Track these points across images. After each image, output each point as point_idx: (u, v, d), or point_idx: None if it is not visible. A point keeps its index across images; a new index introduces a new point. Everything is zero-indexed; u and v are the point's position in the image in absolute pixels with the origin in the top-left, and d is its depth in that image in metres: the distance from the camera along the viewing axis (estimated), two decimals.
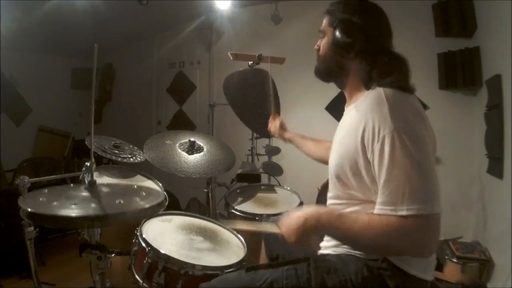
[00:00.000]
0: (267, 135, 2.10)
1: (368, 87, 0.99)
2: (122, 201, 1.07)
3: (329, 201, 1.09)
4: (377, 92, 0.91)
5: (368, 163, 0.88)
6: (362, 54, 0.99)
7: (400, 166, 0.81)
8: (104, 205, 1.03)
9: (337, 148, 1.04)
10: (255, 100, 1.91)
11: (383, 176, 0.83)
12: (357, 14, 0.98)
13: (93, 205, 1.02)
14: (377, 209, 0.85)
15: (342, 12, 1.01)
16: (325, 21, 1.08)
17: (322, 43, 1.09)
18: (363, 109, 0.91)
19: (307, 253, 1.01)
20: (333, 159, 1.04)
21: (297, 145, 1.57)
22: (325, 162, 1.39)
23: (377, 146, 0.84)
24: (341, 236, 0.92)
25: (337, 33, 1.01)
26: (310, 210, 0.92)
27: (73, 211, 0.96)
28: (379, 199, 0.85)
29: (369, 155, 0.87)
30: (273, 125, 1.71)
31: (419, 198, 0.79)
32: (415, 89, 0.96)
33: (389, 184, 0.82)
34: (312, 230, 0.91)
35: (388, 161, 0.82)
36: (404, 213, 0.79)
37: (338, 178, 1.00)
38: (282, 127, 1.67)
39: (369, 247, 0.88)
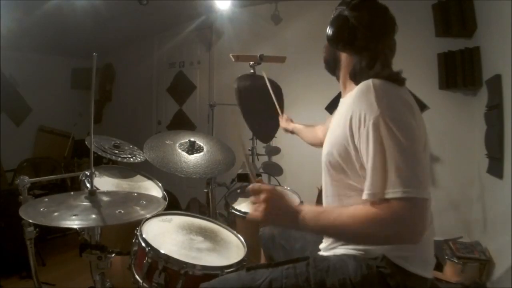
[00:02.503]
0: (263, 139, 2.26)
1: (354, 80, 1.02)
2: (122, 211, 1.07)
3: (324, 192, 1.09)
4: (366, 82, 0.93)
5: (356, 149, 0.90)
6: (350, 47, 1.03)
7: (386, 150, 0.82)
8: (104, 216, 1.03)
9: (329, 136, 1.06)
10: (262, 103, 1.93)
11: (369, 160, 0.84)
12: (348, 9, 1.01)
13: (93, 216, 1.02)
14: (364, 193, 0.85)
15: (342, 4, 1.05)
16: None
17: None
18: (352, 98, 0.94)
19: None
20: (325, 147, 1.06)
21: (297, 134, 1.75)
22: (317, 144, 1.54)
23: (363, 132, 0.86)
24: (328, 230, 0.90)
25: (329, 23, 1.06)
26: (299, 207, 0.89)
27: (74, 223, 0.97)
28: (366, 183, 0.85)
29: (356, 141, 0.89)
30: (283, 120, 1.87)
31: (404, 181, 0.79)
32: (405, 79, 0.98)
33: (374, 168, 0.83)
34: (294, 226, 0.89)
35: (373, 146, 0.83)
36: (389, 196, 0.79)
37: (330, 165, 1.01)
38: (289, 121, 1.85)
39: (356, 237, 0.87)
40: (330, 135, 1.05)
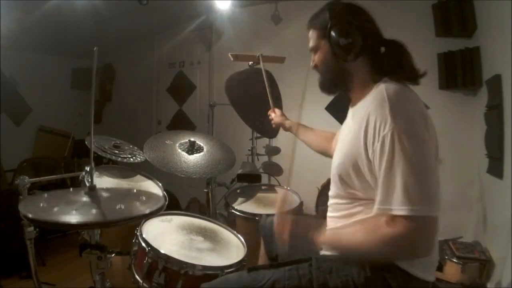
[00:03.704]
0: (269, 134, 2.07)
1: (375, 82, 0.99)
2: (122, 206, 1.07)
3: (330, 200, 1.09)
4: (380, 91, 0.91)
5: (370, 162, 0.89)
6: (362, 52, 0.99)
7: (398, 165, 0.81)
8: (104, 210, 1.03)
9: (340, 147, 1.05)
10: (256, 99, 1.91)
11: (382, 175, 0.84)
12: (348, 14, 0.99)
13: (93, 210, 1.02)
14: (375, 208, 0.86)
15: (332, 18, 1.00)
16: (314, 36, 1.08)
17: (318, 58, 1.08)
18: (366, 109, 0.92)
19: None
20: (336, 158, 1.04)
21: (296, 134, 1.56)
22: (325, 153, 1.44)
23: (377, 146, 0.85)
24: (342, 251, 0.98)
25: (336, 37, 0.99)
26: (317, 231, 0.99)
27: (74, 217, 0.96)
28: (377, 198, 0.86)
29: (370, 154, 0.88)
30: (275, 115, 1.71)
31: (414, 198, 0.79)
32: (421, 75, 1.00)
33: (386, 183, 0.83)
34: (314, 245, 0.99)
35: (386, 160, 0.83)
36: (398, 212, 0.80)
37: (341, 177, 1.00)
38: (283, 115, 1.70)
39: (369, 256, 0.91)
40: (342, 145, 1.04)
